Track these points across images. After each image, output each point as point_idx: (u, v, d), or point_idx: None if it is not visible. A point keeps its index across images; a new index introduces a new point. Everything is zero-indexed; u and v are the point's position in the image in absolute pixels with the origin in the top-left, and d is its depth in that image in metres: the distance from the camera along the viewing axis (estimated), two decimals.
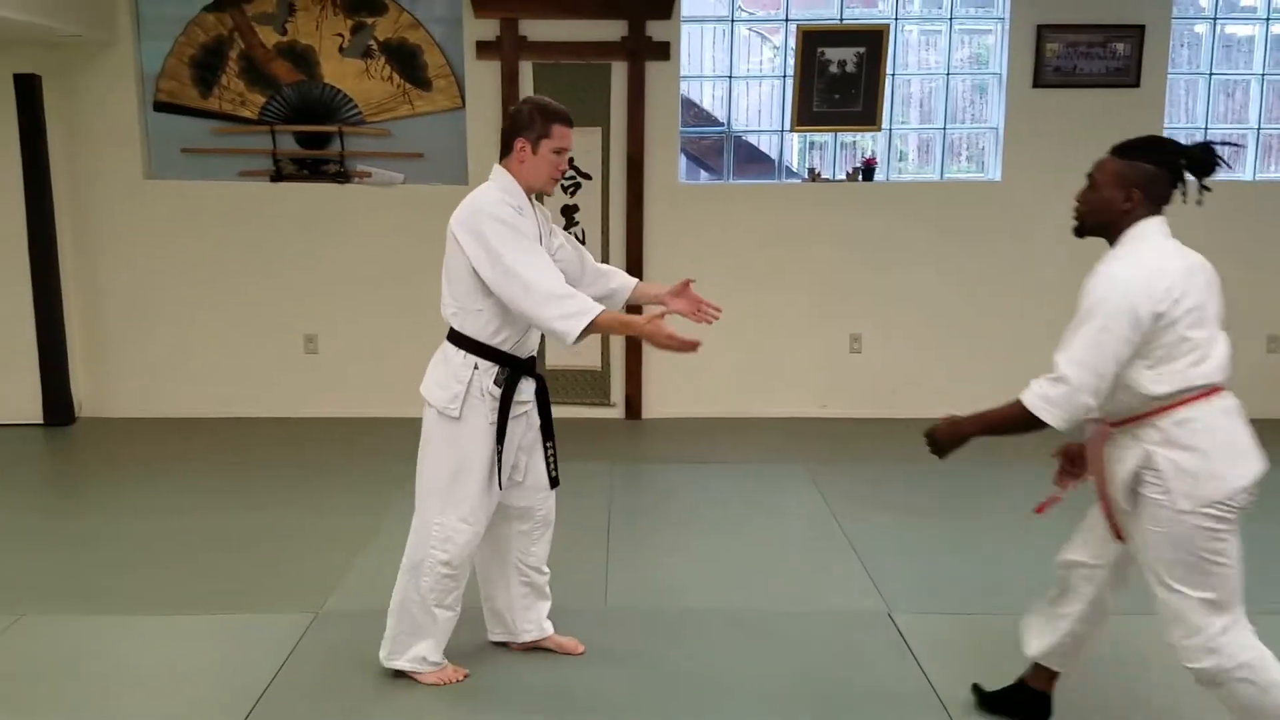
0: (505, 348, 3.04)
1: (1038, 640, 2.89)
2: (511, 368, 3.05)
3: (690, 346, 2.90)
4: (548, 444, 3.21)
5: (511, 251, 2.88)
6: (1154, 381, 2.56)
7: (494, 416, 3.03)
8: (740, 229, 6.47)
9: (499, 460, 3.05)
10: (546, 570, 3.36)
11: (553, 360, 6.49)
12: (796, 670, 3.29)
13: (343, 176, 6.33)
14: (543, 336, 3.17)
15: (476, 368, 3.03)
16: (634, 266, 6.39)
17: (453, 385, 3.04)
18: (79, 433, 6.24)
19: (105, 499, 5.05)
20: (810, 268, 6.48)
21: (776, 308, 6.53)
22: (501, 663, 3.32)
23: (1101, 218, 2.76)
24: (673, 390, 6.56)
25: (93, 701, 3.08)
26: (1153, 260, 2.65)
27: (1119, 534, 2.70)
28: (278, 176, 6.33)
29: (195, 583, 3.95)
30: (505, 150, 3.05)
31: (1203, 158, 2.69)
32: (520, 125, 3.01)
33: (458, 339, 3.08)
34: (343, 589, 3.87)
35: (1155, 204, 2.71)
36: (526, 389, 3.13)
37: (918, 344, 6.54)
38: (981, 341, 6.49)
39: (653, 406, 6.57)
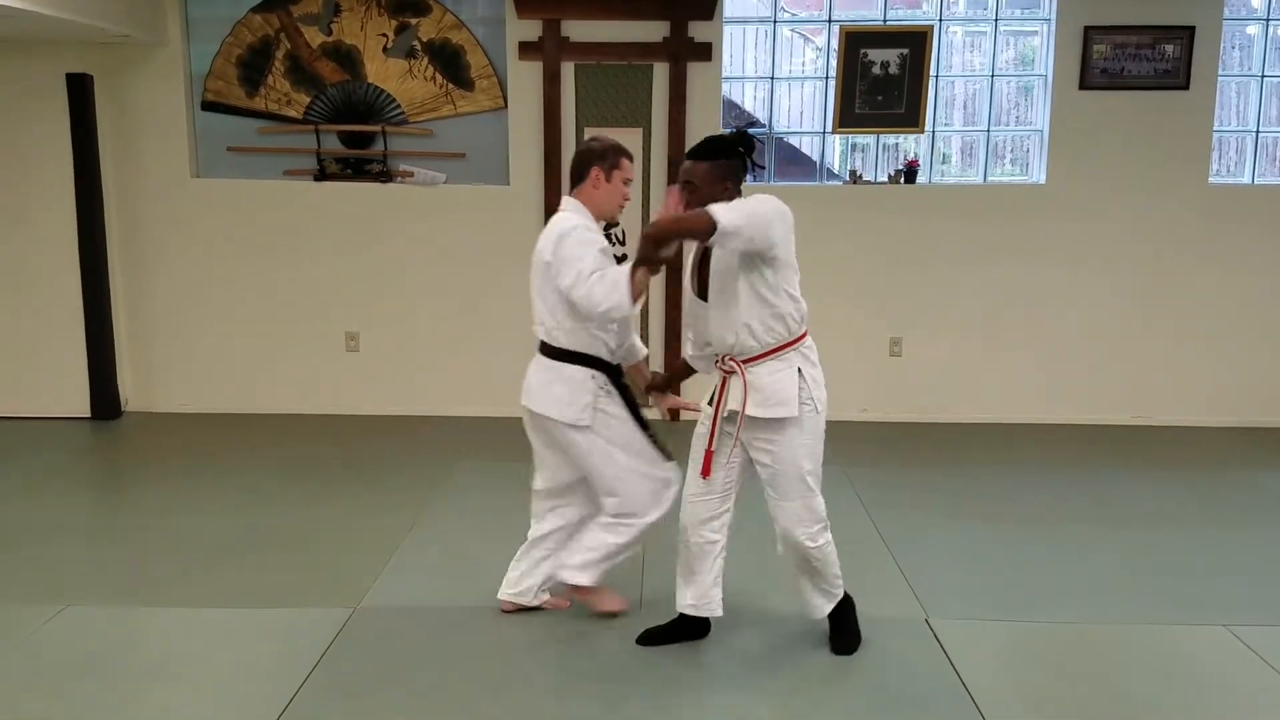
0: (603, 355, 3.43)
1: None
2: (610, 374, 3.46)
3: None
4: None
5: (584, 257, 3.27)
6: (796, 311, 3.24)
7: (622, 409, 3.44)
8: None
9: (652, 438, 3.47)
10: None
11: None
12: (829, 673, 3.27)
13: (385, 176, 6.38)
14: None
15: (594, 378, 3.41)
16: (674, 268, 6.37)
17: (580, 396, 3.38)
18: (125, 427, 6.34)
19: (149, 493, 5.12)
20: (851, 270, 6.44)
21: (816, 310, 6.39)
22: (531, 656, 3.32)
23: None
24: (696, 393, 6.53)
25: (133, 692, 3.12)
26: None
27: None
28: (321, 176, 6.39)
29: (235, 577, 3.99)
30: (578, 179, 3.45)
31: (748, 142, 3.21)
32: (594, 155, 3.41)
33: (569, 356, 3.40)
34: (380, 585, 3.89)
35: (739, 186, 3.21)
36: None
37: (959, 348, 6.48)
38: (1023, 345, 6.42)
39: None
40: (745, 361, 3.18)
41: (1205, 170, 6.30)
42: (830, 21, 6.33)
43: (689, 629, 3.46)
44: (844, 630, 3.42)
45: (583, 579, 3.50)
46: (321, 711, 3.02)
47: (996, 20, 6.35)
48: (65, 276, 6.30)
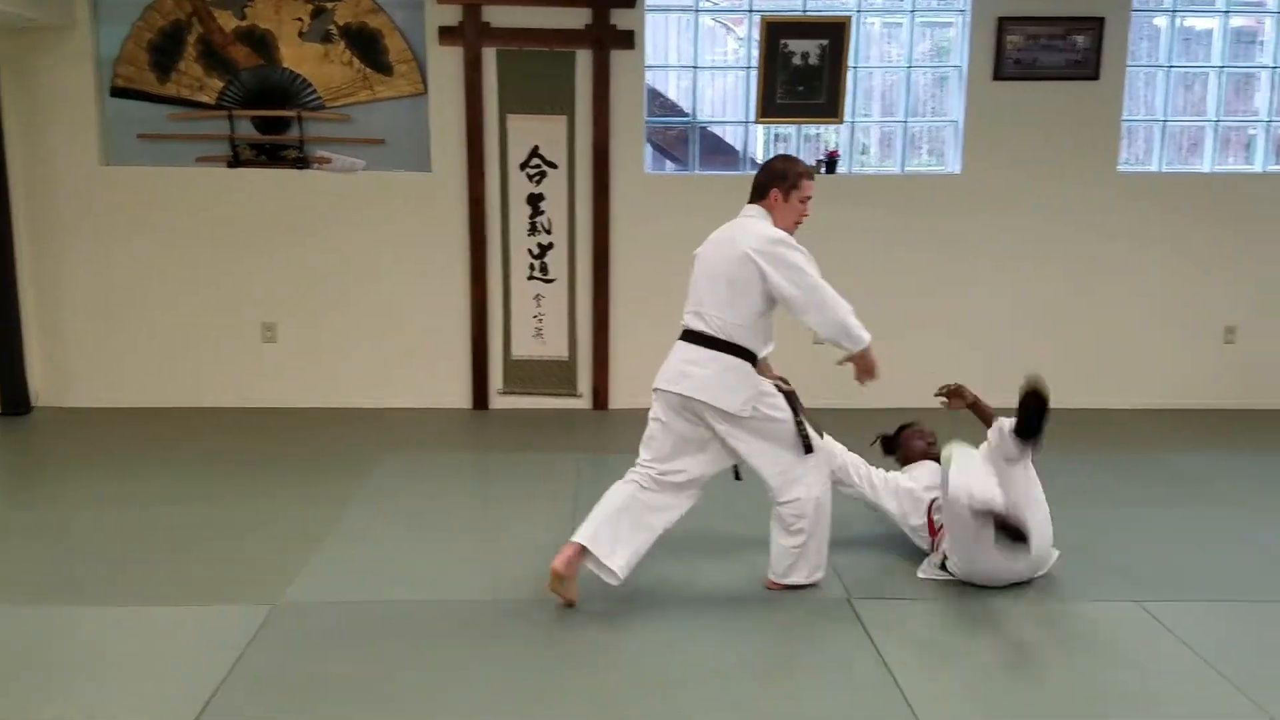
0: (762, 353, 3.68)
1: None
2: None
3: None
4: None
5: (812, 273, 3.62)
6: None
7: (780, 399, 3.67)
8: (706, 220, 6.37)
9: (803, 428, 3.69)
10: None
11: (519, 351, 6.48)
12: (759, 652, 3.32)
13: (302, 162, 6.27)
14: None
15: (751, 371, 3.60)
16: (600, 256, 6.38)
17: (746, 387, 3.57)
18: (35, 423, 6.15)
19: (61, 490, 4.98)
20: None
21: None
22: (456, 650, 3.31)
23: None
24: (640, 381, 6.50)
25: (48, 692, 3.04)
26: None
27: None
28: (235, 162, 6.26)
29: (152, 574, 3.90)
30: (759, 195, 3.79)
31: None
32: (775, 176, 3.72)
33: (736, 350, 3.60)
34: (301, 581, 3.84)
35: None
36: None
37: (881, 336, 6.56)
38: (943, 332, 6.54)
39: (619, 397, 6.57)
40: None
41: (1114, 158, 6.48)
42: (751, 11, 6.37)
43: None
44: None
45: (797, 578, 3.77)
46: (243, 709, 2.97)
47: (913, 12, 6.44)
48: None
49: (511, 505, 4.82)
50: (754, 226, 3.66)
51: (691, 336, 3.63)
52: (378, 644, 3.35)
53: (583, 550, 3.55)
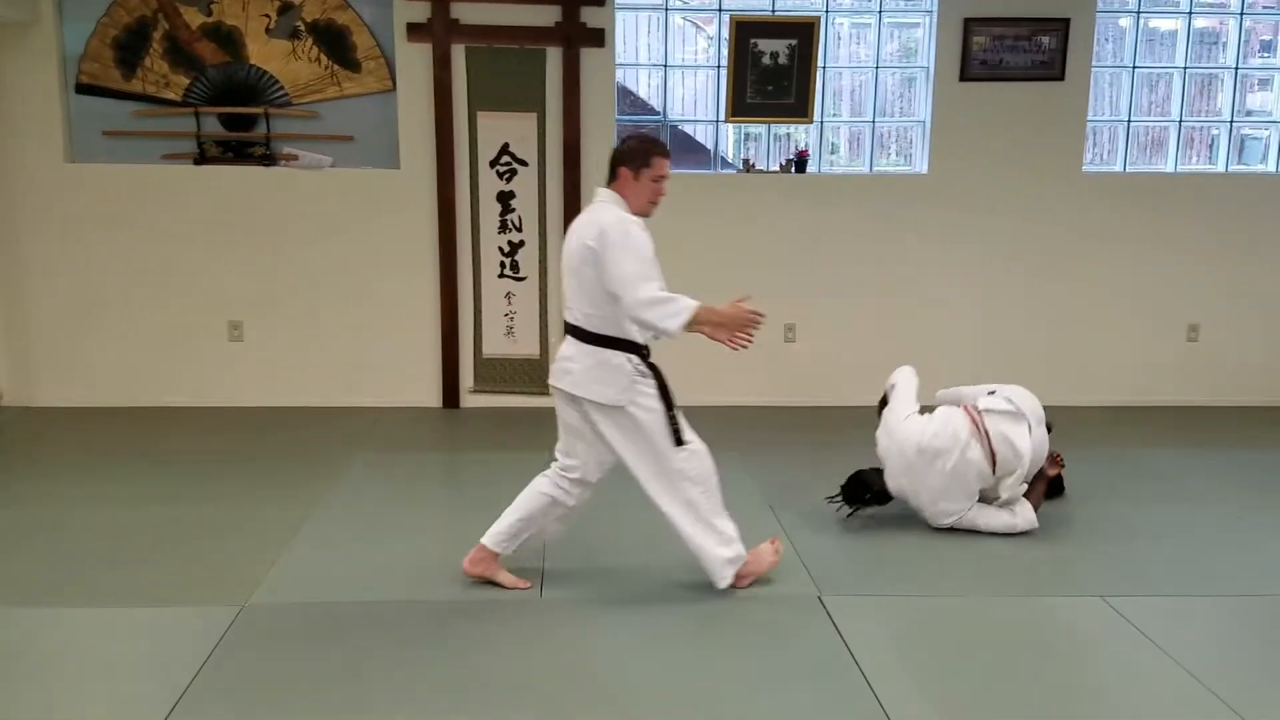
0: (641, 341, 3.57)
1: None
2: (642, 358, 3.59)
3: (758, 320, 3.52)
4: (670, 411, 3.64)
5: (635, 253, 3.42)
6: None
7: (654, 389, 3.56)
8: (676, 218, 6.42)
9: (675, 422, 3.57)
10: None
11: (490, 349, 6.46)
12: (723, 652, 3.33)
13: (269, 159, 6.22)
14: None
15: (629, 361, 3.53)
16: None
17: (618, 379, 3.52)
18: (0, 423, 6.09)
19: (26, 490, 4.92)
20: (745, 259, 6.52)
21: (711, 298, 6.50)
22: (425, 650, 3.30)
23: None
24: None
25: (14, 694, 3.01)
26: None
27: None
28: (202, 160, 6.20)
29: (119, 575, 3.86)
30: (611, 176, 3.64)
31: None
32: (624, 156, 3.59)
33: (610, 342, 3.53)
34: (269, 582, 3.81)
35: None
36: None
37: (850, 334, 6.62)
38: (911, 330, 6.57)
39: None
40: None
41: (1080, 158, 6.54)
42: (720, 10, 6.38)
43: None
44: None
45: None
46: (212, 709, 2.95)
47: (881, 12, 6.48)
48: None
49: (482, 504, 4.78)
50: (597, 215, 3.54)
51: (570, 330, 3.61)
52: (347, 645, 3.33)
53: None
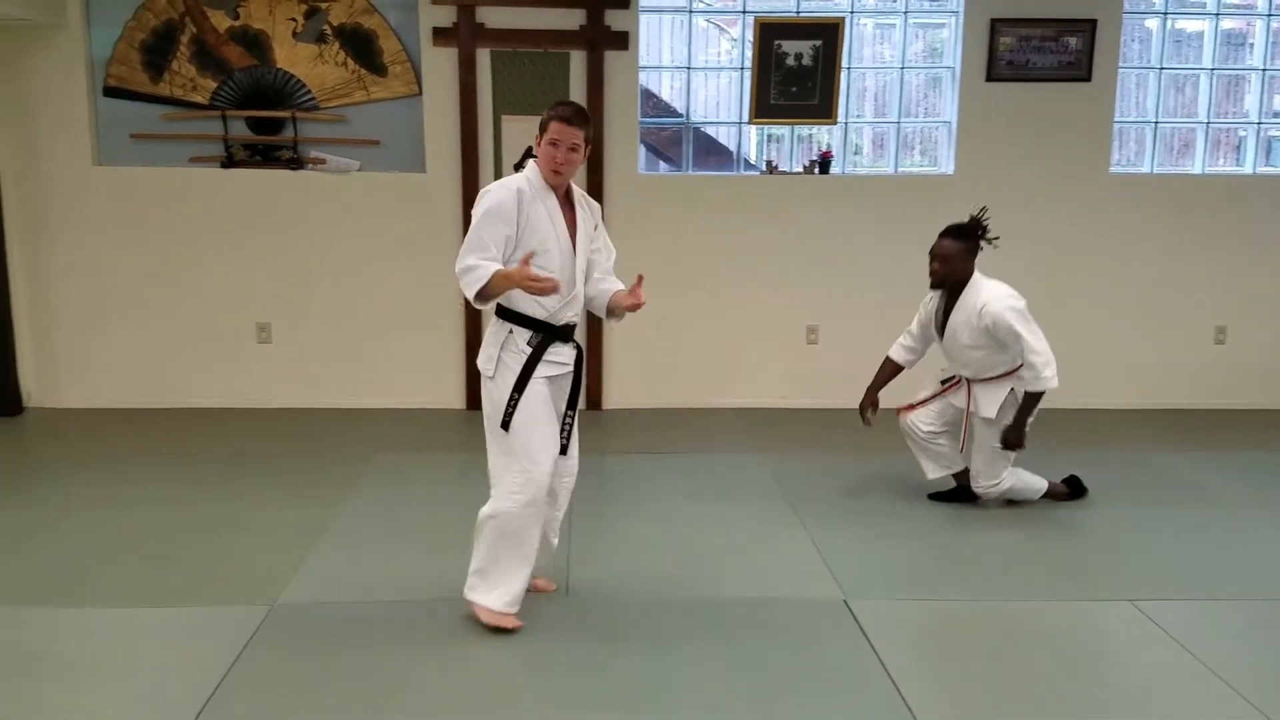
0: (538, 315, 3.39)
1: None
2: (545, 333, 3.41)
3: (548, 288, 3.23)
4: (568, 412, 3.52)
5: (474, 225, 3.33)
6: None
7: (511, 372, 3.38)
8: (699, 220, 6.49)
9: (512, 406, 3.36)
10: (558, 535, 3.74)
11: None
12: (748, 656, 3.32)
13: (296, 163, 6.26)
14: (585, 310, 3.62)
15: (511, 332, 3.40)
16: None
17: (490, 349, 3.43)
18: (27, 423, 6.13)
19: (54, 491, 4.97)
20: (768, 260, 6.51)
21: (734, 299, 6.56)
22: (451, 649, 3.31)
23: (958, 275, 4.54)
24: (632, 381, 6.58)
25: (44, 695, 3.03)
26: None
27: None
28: (229, 163, 6.25)
29: (148, 575, 3.90)
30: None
31: (982, 229, 4.62)
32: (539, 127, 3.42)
33: (498, 309, 3.43)
34: (297, 582, 3.83)
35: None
36: (564, 352, 3.48)
37: (874, 335, 6.57)
38: None
39: (612, 397, 6.58)
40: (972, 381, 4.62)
41: (1107, 159, 6.51)
42: (745, 12, 6.38)
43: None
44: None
45: (474, 595, 3.49)
46: (241, 709, 2.97)
47: (906, 13, 6.46)
48: None
49: None
50: None
51: None
52: (375, 644, 3.35)
53: None
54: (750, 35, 6.26)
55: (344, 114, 6.25)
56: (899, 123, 6.60)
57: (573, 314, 3.50)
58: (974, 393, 4.59)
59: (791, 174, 6.57)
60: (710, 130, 6.88)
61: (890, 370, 4.84)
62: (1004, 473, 4.63)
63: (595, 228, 3.62)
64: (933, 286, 4.59)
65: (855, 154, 6.81)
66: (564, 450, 3.52)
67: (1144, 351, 6.69)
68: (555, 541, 3.72)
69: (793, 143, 6.68)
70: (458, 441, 5.96)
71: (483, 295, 3.29)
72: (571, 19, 6.14)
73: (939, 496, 4.86)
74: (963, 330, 4.48)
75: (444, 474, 5.29)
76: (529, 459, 3.37)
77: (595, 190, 6.30)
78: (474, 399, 6.48)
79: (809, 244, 6.52)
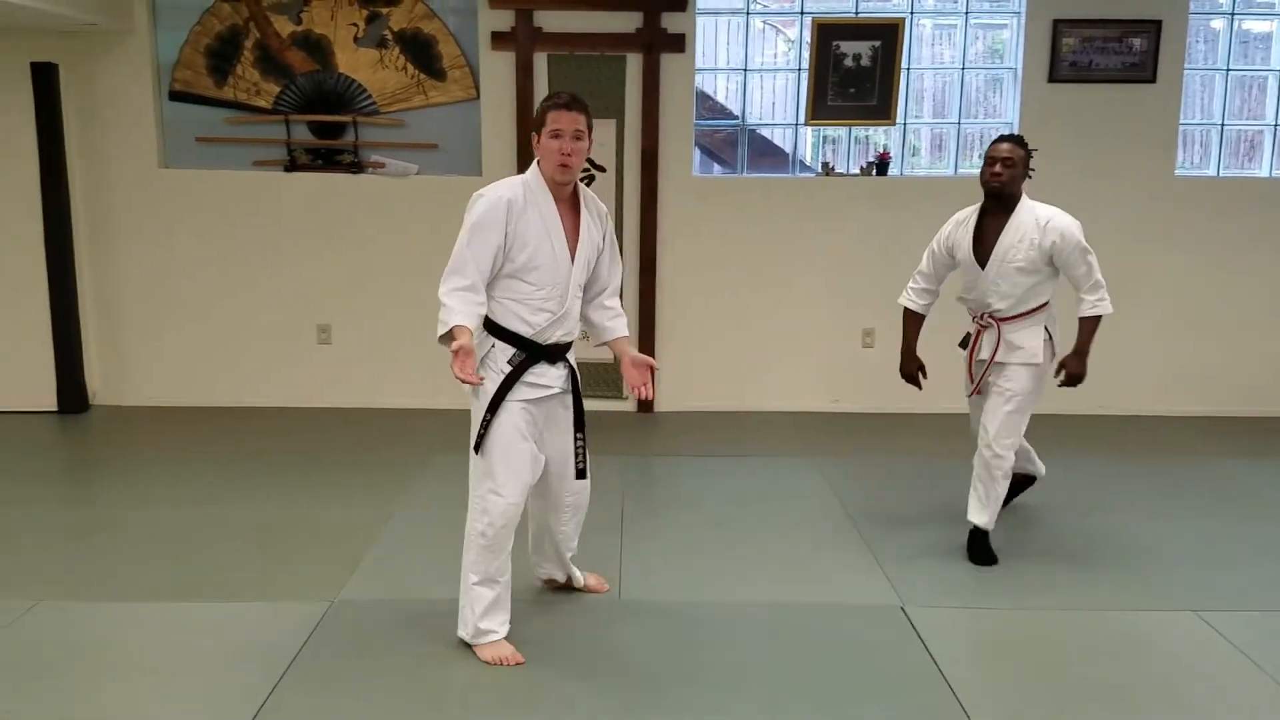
0: (523, 332, 3.20)
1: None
2: (530, 352, 3.20)
3: (468, 382, 3.02)
4: (578, 435, 3.35)
5: (460, 237, 3.14)
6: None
7: (488, 390, 3.19)
8: (754, 223, 6.46)
9: (484, 428, 3.18)
10: (573, 548, 3.62)
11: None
12: (806, 661, 3.30)
13: (356, 167, 6.34)
14: (581, 328, 3.39)
15: (493, 347, 3.22)
16: (648, 260, 6.39)
17: (480, 366, 3.19)
18: (92, 421, 6.27)
19: (118, 487, 5.07)
20: (823, 262, 6.48)
21: (789, 302, 6.53)
22: (512, 642, 3.33)
23: (1016, 186, 4.05)
24: (685, 384, 6.57)
25: (107, 688, 3.10)
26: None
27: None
28: (291, 166, 6.35)
29: (209, 570, 3.96)
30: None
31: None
32: (533, 124, 3.24)
33: (485, 320, 3.23)
34: (357, 578, 3.88)
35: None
36: (550, 374, 3.25)
37: (930, 340, 6.50)
38: None
39: (665, 400, 6.58)
40: (1003, 320, 4.11)
41: (1172, 162, 6.39)
42: (802, 14, 6.35)
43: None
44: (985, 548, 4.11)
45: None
46: (301, 704, 3.00)
47: (966, 13, 6.40)
48: (31, 268, 6.21)
49: None
50: None
51: None
52: (432, 642, 3.37)
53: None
54: (808, 36, 6.23)
55: (403, 118, 6.32)
56: (959, 124, 6.53)
57: (563, 332, 3.25)
58: (1008, 337, 4.08)
59: (848, 176, 6.53)
60: (765, 132, 6.85)
61: (917, 324, 4.43)
62: (1023, 431, 4.16)
63: (603, 236, 3.35)
64: (989, 195, 4.05)
65: (913, 155, 6.75)
66: (581, 474, 3.38)
67: (1211, 358, 6.55)
68: (569, 554, 3.62)
69: (849, 144, 6.64)
70: None
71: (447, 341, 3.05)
72: (628, 22, 6.15)
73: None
74: (1019, 251, 3.98)
75: None
76: (492, 488, 3.19)
77: (649, 193, 6.31)
78: None
79: (865, 246, 6.47)
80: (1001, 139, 4.05)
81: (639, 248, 6.38)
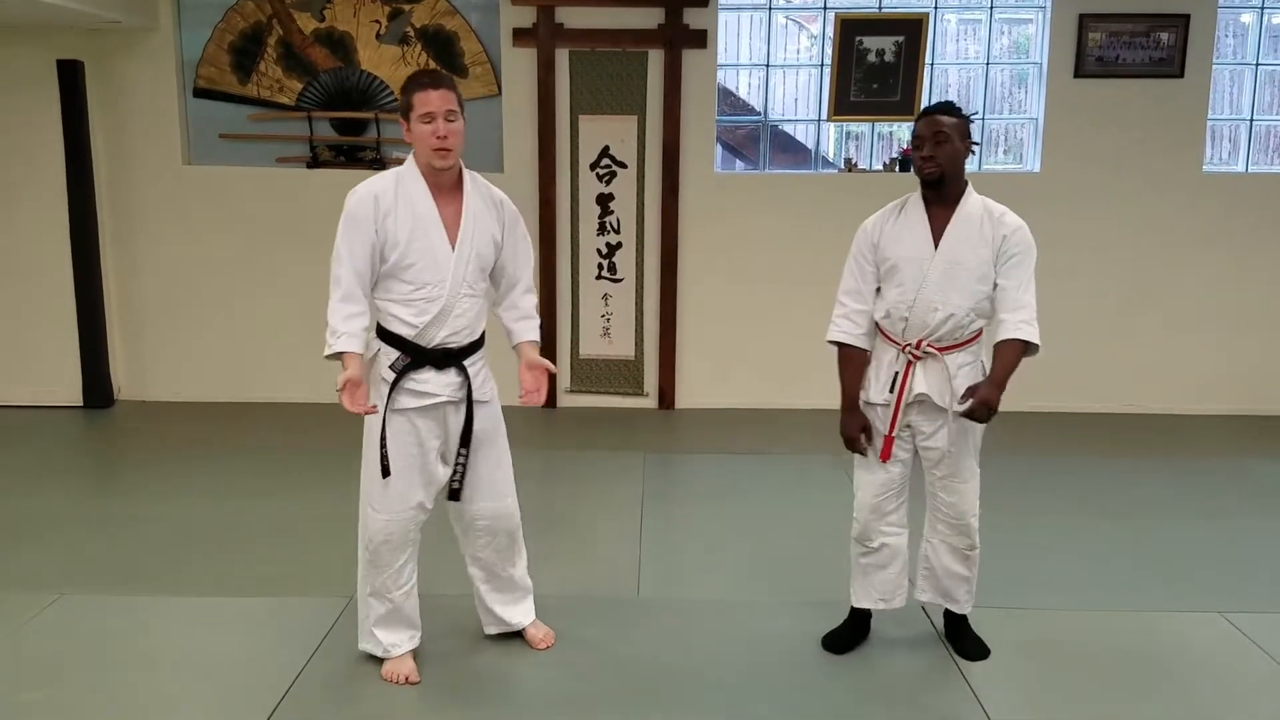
0: (405, 335, 2.98)
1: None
2: (414, 356, 2.97)
3: (358, 410, 2.88)
4: (461, 450, 3.07)
5: (337, 242, 2.96)
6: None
7: (384, 397, 2.98)
8: (775, 219, 6.44)
9: (382, 448, 2.98)
10: (511, 575, 3.29)
11: (587, 350, 6.50)
12: (827, 662, 3.28)
13: (379, 163, 6.35)
14: (482, 332, 3.15)
15: (379, 351, 3.01)
16: (668, 256, 6.38)
17: (370, 371, 3.03)
18: (117, 415, 6.31)
19: (142, 482, 5.11)
20: (845, 259, 6.42)
21: (810, 299, 6.48)
22: (519, 645, 3.32)
23: (956, 168, 3.11)
24: (705, 381, 6.55)
25: (129, 681, 3.12)
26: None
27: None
28: (314, 163, 6.37)
29: (231, 566, 3.98)
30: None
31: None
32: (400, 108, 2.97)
33: (378, 328, 3.05)
34: None
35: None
36: (435, 381, 3.00)
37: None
38: None
39: (685, 397, 6.56)
40: (947, 350, 3.12)
41: (1199, 158, 6.31)
42: (825, 9, 6.32)
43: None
44: (972, 637, 3.35)
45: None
46: (320, 699, 3.02)
47: (992, 8, 6.34)
48: (57, 264, 6.27)
49: (578, 503, 4.83)
50: None
51: None
52: (446, 636, 3.37)
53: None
54: (830, 31, 6.19)
55: None
56: (984, 119, 6.48)
57: (448, 333, 2.98)
58: (955, 376, 3.10)
59: (871, 172, 6.49)
60: (788, 128, 6.82)
61: (859, 365, 3.30)
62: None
63: (500, 225, 3.09)
64: (927, 184, 3.14)
65: None
66: (455, 496, 3.09)
67: (1236, 355, 6.47)
68: (500, 610, 3.28)
69: (873, 140, 6.59)
70: (532, 439, 5.99)
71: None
72: (650, 18, 6.13)
73: (842, 642, 3.38)
74: (969, 248, 3.10)
75: (519, 470, 5.31)
76: (369, 503, 3.07)
77: (670, 190, 6.30)
78: (548, 397, 6.52)
79: None
80: (929, 110, 3.10)
81: (660, 244, 6.36)
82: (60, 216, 6.22)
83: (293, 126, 6.36)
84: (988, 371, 3.09)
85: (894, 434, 3.16)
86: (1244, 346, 6.46)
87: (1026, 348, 3.05)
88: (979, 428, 3.15)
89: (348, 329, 2.89)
